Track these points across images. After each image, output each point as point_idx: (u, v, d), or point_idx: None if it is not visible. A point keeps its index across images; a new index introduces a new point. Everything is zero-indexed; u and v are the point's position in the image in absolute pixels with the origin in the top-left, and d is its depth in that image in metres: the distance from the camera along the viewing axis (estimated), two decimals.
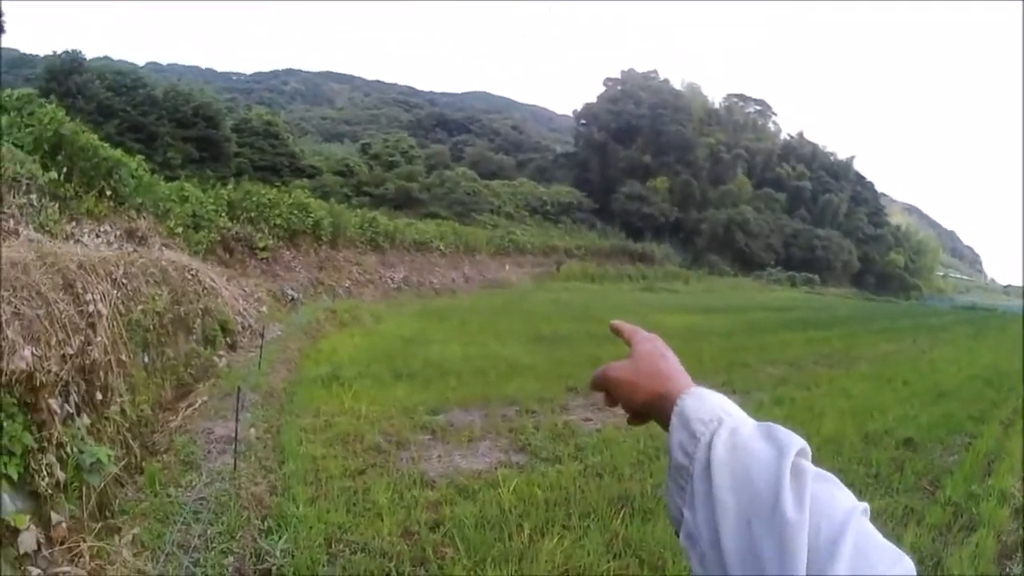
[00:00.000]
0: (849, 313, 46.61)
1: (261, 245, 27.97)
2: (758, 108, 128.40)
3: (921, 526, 9.21)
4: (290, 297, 26.25)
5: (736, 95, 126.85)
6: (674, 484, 1.29)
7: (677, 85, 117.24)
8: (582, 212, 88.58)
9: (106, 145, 20.58)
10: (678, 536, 1.24)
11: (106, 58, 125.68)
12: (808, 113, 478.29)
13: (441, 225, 52.15)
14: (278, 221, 29.88)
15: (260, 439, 9.89)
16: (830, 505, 1.10)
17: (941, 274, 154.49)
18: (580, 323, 26.94)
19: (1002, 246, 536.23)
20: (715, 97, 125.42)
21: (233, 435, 8.65)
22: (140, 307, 10.55)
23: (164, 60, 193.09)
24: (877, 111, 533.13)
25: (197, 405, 11.45)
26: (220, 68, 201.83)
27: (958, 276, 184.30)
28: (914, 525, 9.22)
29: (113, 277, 9.70)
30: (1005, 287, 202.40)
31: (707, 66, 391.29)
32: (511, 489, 8.71)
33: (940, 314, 57.80)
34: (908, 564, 1.09)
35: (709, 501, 1.17)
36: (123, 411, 8.34)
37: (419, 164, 77.50)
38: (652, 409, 1.45)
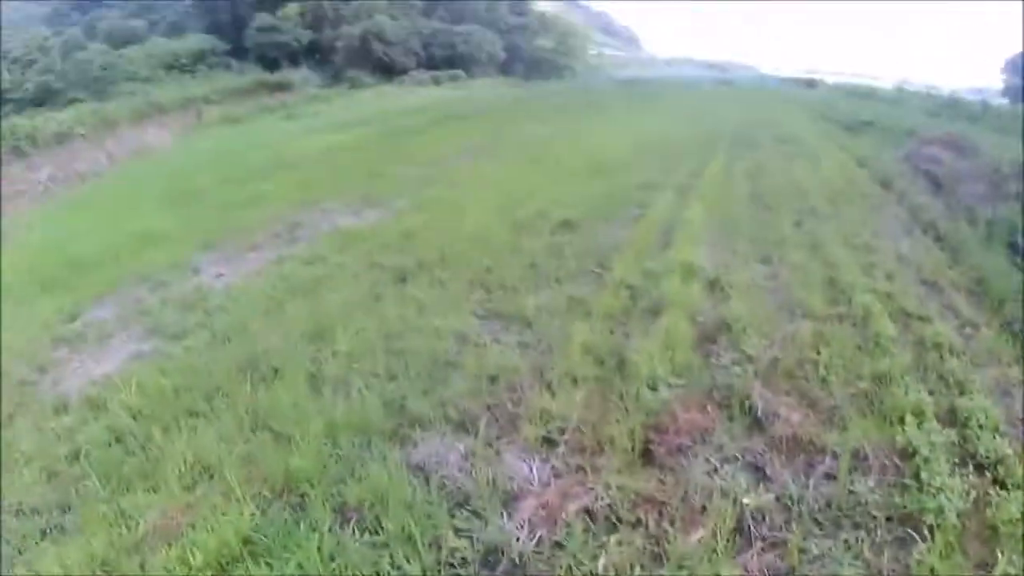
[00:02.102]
0: (495, 103, 47.24)
1: None
2: None
3: (593, 318, 8.64)
4: None
5: None
6: None
7: None
8: (216, 56, 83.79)
9: None
10: None
11: None
12: None
13: (80, 109, 49.63)
14: None
15: None
16: None
17: (595, 52, 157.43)
18: (217, 170, 25.80)
19: (660, 23, 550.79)
20: None
21: None
22: None
23: None
24: None
25: None
26: None
27: (615, 53, 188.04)
28: (583, 318, 8.65)
29: None
30: (668, 60, 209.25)
31: None
32: (133, 388, 8.01)
33: (596, 92, 58.89)
34: None
35: None
36: None
37: (54, 54, 73.09)
38: None
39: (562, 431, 6.71)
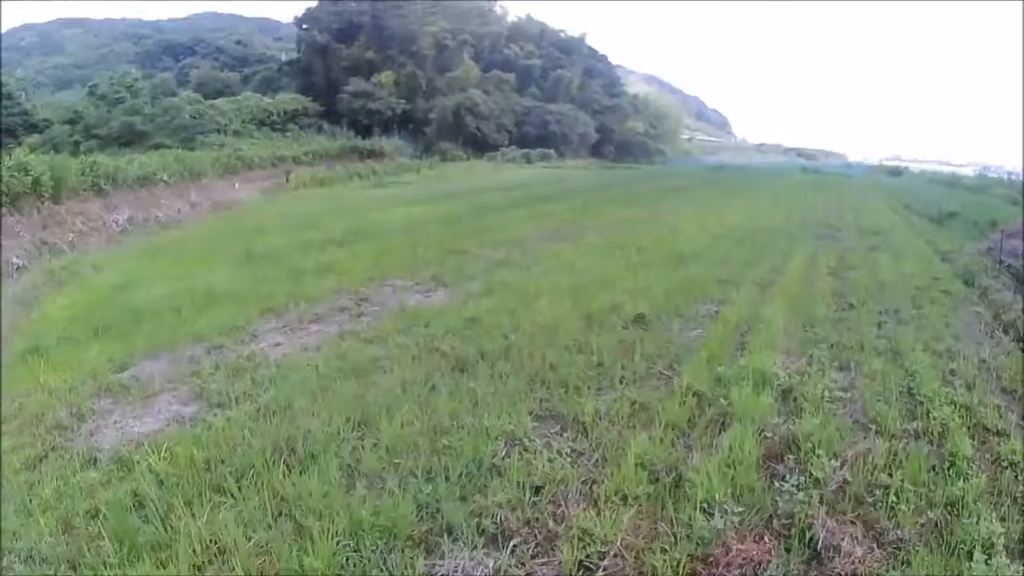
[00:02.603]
0: (584, 183, 47.37)
1: None
2: None
3: (654, 427, 7.86)
4: (16, 266, 24.18)
5: None
6: None
7: None
8: (309, 117, 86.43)
9: None
10: None
11: None
12: None
13: (165, 155, 49.08)
14: None
15: None
16: None
17: (687, 137, 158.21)
18: (298, 233, 26.00)
19: (752, 108, 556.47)
20: None
21: None
22: None
23: None
24: None
25: None
26: None
27: (706, 138, 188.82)
28: (644, 427, 7.90)
29: None
30: (759, 145, 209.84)
31: None
32: (162, 455, 7.85)
33: (686, 175, 58.92)
34: None
35: None
36: None
37: (144, 96, 74.02)
38: None
39: (602, 556, 6.06)
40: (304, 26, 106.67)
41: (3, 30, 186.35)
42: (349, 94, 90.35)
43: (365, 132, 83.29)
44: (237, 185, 52.68)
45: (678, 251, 18.31)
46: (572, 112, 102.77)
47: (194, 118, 72.07)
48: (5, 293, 19.98)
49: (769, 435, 7.78)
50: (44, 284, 21.24)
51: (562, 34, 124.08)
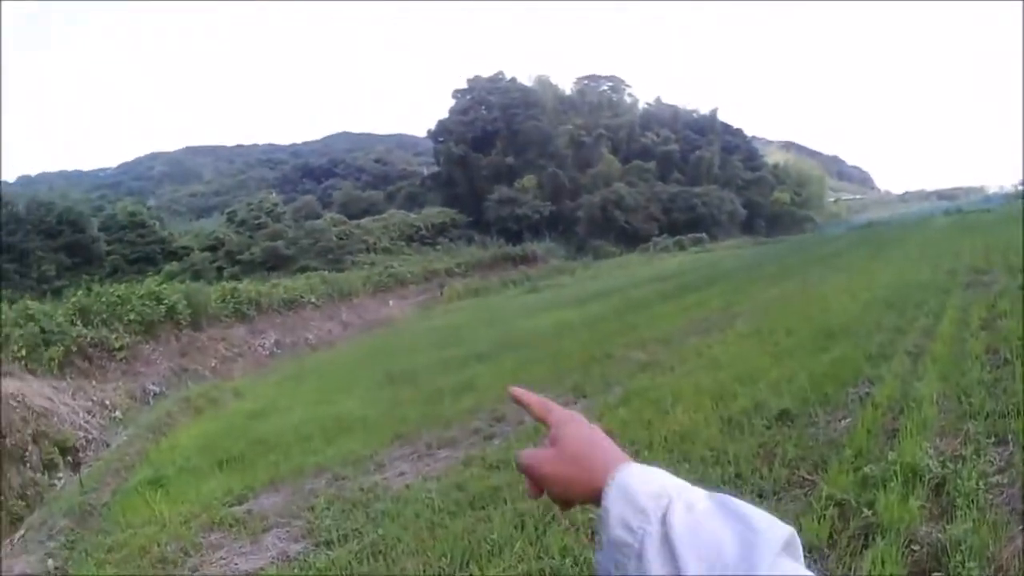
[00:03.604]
0: (734, 265, 46.14)
1: (118, 345, 26.50)
2: (610, 84, 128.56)
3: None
4: (152, 393, 25.05)
5: (586, 77, 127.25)
6: (609, 561, 1.22)
7: (525, 81, 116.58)
8: (458, 229, 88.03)
9: None
10: None
11: None
12: (662, 77, 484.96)
13: (311, 277, 51.03)
14: (131, 316, 28.39)
15: (58, 568, 9.88)
16: None
17: (832, 199, 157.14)
18: (443, 350, 25.58)
19: (889, 157, 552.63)
20: (565, 84, 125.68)
21: (32, 572, 8.99)
22: None
23: (32, 171, 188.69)
24: (732, 58, 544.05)
25: (16, 540, 11.58)
26: (86, 167, 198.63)
27: (850, 197, 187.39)
28: None
29: None
30: (902, 195, 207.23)
31: (553, 56, 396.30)
32: None
33: (833, 240, 57.76)
34: None
35: None
36: None
37: (286, 220, 75.97)
38: (589, 502, 1.32)
39: None
40: (440, 139, 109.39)
41: (130, 159, 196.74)
42: (494, 202, 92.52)
43: (515, 238, 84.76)
44: (391, 302, 54.10)
45: (827, 327, 17.50)
46: (717, 192, 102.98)
47: (340, 239, 74.16)
48: (139, 420, 20.66)
49: (917, 547, 7.23)
50: (179, 411, 21.65)
51: (694, 114, 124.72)
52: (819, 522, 7.21)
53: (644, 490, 1.21)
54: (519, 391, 1.56)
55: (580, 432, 1.39)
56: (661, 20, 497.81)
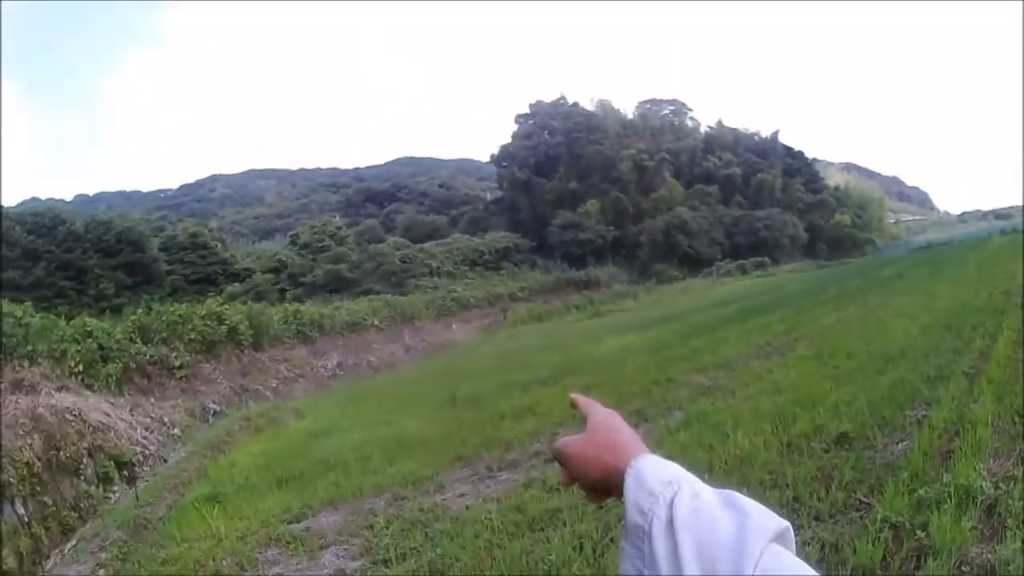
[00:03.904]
0: (796, 289, 45.62)
1: (177, 364, 26.90)
2: (672, 108, 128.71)
3: (843, 569, 7.15)
4: (212, 411, 25.35)
5: (648, 101, 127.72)
6: (631, 547, 1.31)
7: (587, 105, 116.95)
8: (521, 254, 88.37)
9: None
10: None
11: (33, 199, 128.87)
12: (723, 100, 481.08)
13: (374, 300, 51.43)
14: (192, 336, 28.82)
15: None
16: None
17: (892, 220, 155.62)
18: (506, 373, 25.55)
19: (948, 178, 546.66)
20: (627, 108, 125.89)
21: None
22: None
23: (91, 191, 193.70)
24: (791, 80, 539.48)
25: (66, 551, 11.69)
26: (146, 188, 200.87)
27: (910, 218, 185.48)
28: (833, 569, 7.18)
29: None
30: (960, 215, 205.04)
31: (614, 80, 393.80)
32: None
33: (894, 262, 57.14)
34: None
35: (674, 559, 1.19)
36: None
37: (350, 244, 76.44)
38: (609, 483, 1.45)
39: None
40: (503, 164, 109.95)
41: (191, 180, 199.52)
42: (557, 227, 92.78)
43: (578, 263, 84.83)
44: (454, 326, 54.39)
45: (886, 350, 17.33)
46: (779, 215, 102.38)
47: (403, 262, 74.78)
48: (198, 437, 21.00)
49: (967, 568, 7.29)
50: (239, 430, 21.89)
51: (755, 137, 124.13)
52: (873, 544, 7.28)
53: (657, 477, 1.32)
54: (574, 395, 1.73)
55: (608, 421, 1.53)
56: (720, 43, 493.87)
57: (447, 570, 8.43)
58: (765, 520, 1.20)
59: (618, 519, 8.63)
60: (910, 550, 7.29)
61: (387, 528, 10.27)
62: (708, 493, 1.29)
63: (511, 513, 10.02)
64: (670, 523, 1.21)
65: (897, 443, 10.54)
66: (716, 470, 10.46)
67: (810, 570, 1.18)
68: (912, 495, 8.36)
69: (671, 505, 1.24)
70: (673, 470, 1.37)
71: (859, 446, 10.47)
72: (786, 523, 1.22)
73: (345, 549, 9.88)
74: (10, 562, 10.03)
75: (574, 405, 1.71)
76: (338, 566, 9.25)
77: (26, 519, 11.77)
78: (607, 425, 1.52)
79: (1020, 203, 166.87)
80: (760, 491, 9.08)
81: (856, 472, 9.32)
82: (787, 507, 8.61)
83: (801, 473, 9.53)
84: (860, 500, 8.73)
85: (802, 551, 6.23)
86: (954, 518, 7.59)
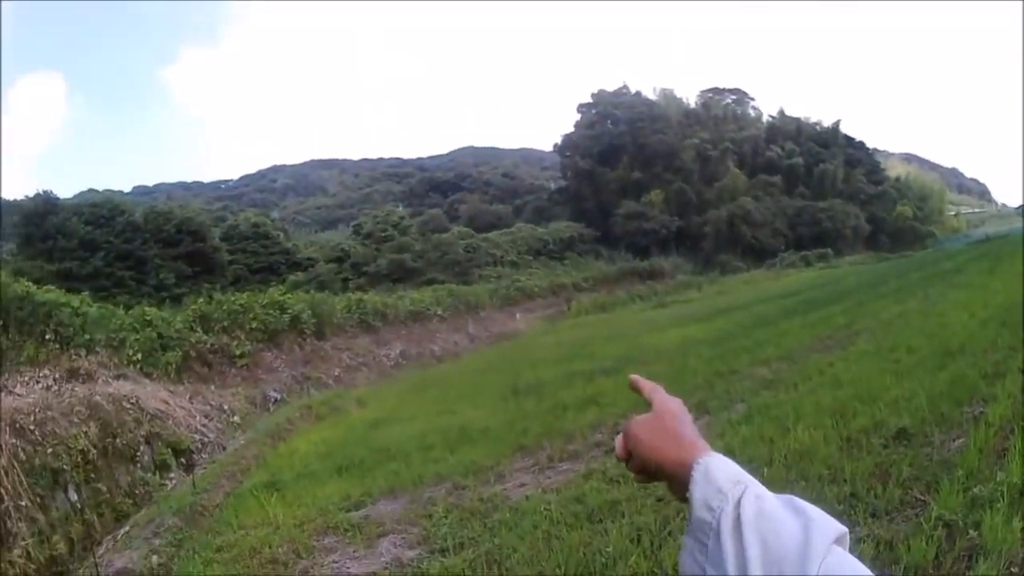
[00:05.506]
0: (858, 281, 44.85)
1: (238, 352, 27.28)
2: (734, 97, 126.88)
3: (897, 568, 7.04)
4: (273, 399, 25.56)
5: (710, 90, 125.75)
6: (695, 542, 1.36)
7: (650, 95, 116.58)
8: (585, 243, 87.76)
9: (43, 289, 21.55)
10: None
11: (90, 190, 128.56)
12: (785, 89, 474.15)
13: (437, 290, 51.50)
14: (254, 325, 29.15)
15: (162, 565, 10.15)
16: None
17: (952, 213, 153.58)
18: (569, 363, 25.43)
19: (1007, 170, 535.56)
20: (689, 97, 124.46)
21: (133, 567, 9.29)
22: (50, 450, 11.45)
23: (150, 182, 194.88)
24: (853, 69, 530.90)
25: (119, 537, 11.81)
26: (207, 179, 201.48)
27: (969, 211, 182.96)
28: (885, 565, 7.12)
29: (19, 426, 10.61)
30: (1018, 208, 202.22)
31: (676, 69, 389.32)
32: None
33: (954, 255, 56.29)
34: None
35: (740, 558, 1.24)
36: (28, 553, 9.26)
37: (413, 233, 76.53)
38: (667, 472, 1.50)
39: None
40: (566, 153, 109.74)
41: (252, 171, 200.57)
42: (621, 216, 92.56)
43: (642, 253, 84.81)
44: (518, 315, 54.07)
45: (946, 345, 17.18)
46: (841, 207, 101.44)
47: (467, 252, 74.59)
48: (258, 425, 21.17)
49: (1015, 570, 7.29)
50: (300, 418, 22.04)
51: (817, 127, 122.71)
52: (927, 543, 7.34)
53: (725, 475, 1.36)
54: (635, 378, 1.80)
55: (676, 410, 1.58)
56: (780, 32, 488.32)
57: (504, 560, 8.50)
58: (827, 523, 1.26)
59: (677, 512, 8.81)
60: (962, 549, 7.30)
61: (445, 517, 10.34)
62: (770, 495, 1.34)
63: (570, 504, 10.06)
64: (737, 521, 1.27)
65: (954, 440, 10.39)
66: (776, 463, 10.43)
67: (868, 572, 1.23)
68: (966, 493, 8.39)
69: (738, 504, 1.29)
70: (739, 470, 1.41)
71: (917, 442, 10.36)
72: (845, 529, 1.28)
73: (403, 538, 9.98)
74: (61, 548, 10.22)
75: (635, 387, 1.78)
76: (395, 554, 9.34)
77: (79, 505, 11.95)
78: (675, 414, 1.57)
79: None
80: (818, 486, 9.16)
81: (913, 469, 9.23)
82: (844, 503, 8.62)
83: (859, 469, 9.49)
84: (916, 498, 8.70)
85: (856, 548, 6.34)
86: (1006, 518, 7.64)
